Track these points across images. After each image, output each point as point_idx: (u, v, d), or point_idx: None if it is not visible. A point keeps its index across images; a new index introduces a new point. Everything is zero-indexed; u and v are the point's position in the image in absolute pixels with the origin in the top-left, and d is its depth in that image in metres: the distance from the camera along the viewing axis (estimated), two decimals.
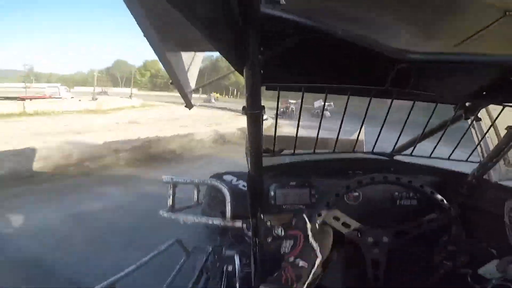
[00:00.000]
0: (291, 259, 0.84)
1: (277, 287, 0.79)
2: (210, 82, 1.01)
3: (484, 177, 1.31)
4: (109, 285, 1.04)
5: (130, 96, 27.86)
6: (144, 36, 0.55)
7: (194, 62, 0.79)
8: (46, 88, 24.91)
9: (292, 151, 1.13)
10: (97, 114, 15.27)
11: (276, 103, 0.92)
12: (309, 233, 0.89)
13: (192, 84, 0.74)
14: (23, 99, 16.03)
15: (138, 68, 63.78)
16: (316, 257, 0.84)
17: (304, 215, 0.96)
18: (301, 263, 0.82)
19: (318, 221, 0.97)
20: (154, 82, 60.48)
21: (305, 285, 0.79)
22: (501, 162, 1.40)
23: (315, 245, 0.86)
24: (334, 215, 1.04)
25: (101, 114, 15.10)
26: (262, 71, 0.65)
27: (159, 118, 14.05)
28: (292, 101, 19.47)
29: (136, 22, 0.52)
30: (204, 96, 33.80)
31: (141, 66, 65.25)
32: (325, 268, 1.02)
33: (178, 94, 0.92)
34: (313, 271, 0.81)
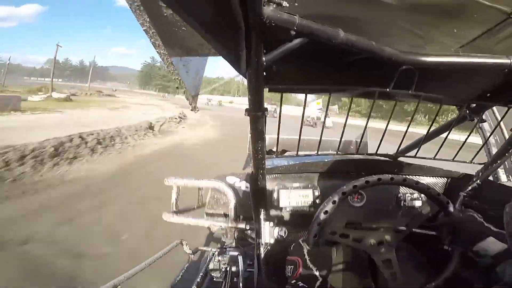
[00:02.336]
0: (293, 282, 0.88)
1: None
2: (218, 85, 1.02)
3: (490, 178, 1.31)
4: (114, 286, 1.04)
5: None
6: (150, 41, 0.56)
7: (199, 66, 0.80)
8: None
9: (295, 152, 1.13)
10: None
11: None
12: (306, 257, 0.93)
13: (198, 88, 0.75)
14: None
15: None
16: (317, 279, 0.87)
17: (300, 241, 0.99)
18: (302, 284, 0.86)
19: (313, 243, 0.97)
20: None
21: None
22: (509, 163, 1.40)
23: (313, 268, 0.90)
24: (330, 231, 1.02)
25: None
26: (265, 74, 0.65)
27: None
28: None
29: (141, 28, 0.52)
30: None
31: None
32: (328, 267, 1.03)
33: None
34: None
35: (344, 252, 1.15)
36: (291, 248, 1.02)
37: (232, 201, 1.24)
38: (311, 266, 0.90)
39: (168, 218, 1.30)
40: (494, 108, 1.40)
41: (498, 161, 1.14)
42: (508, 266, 0.68)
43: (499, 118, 1.19)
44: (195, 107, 0.75)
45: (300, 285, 0.85)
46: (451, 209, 1.05)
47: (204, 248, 1.74)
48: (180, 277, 1.47)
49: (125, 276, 1.08)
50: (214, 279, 1.64)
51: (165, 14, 0.56)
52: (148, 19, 0.51)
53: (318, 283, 0.86)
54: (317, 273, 0.88)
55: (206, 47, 0.73)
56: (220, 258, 1.67)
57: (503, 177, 1.37)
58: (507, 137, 1.10)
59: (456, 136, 1.12)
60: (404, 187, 1.14)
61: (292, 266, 0.93)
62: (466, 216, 0.99)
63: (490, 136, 1.29)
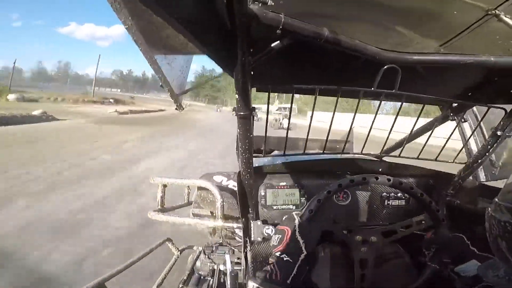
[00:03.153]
0: (278, 253, 0.87)
1: (263, 282, 0.81)
2: (200, 84, 1.01)
3: (470, 177, 1.34)
4: (98, 284, 1.02)
5: None
6: (133, 39, 0.54)
7: (184, 64, 0.79)
8: None
9: (283, 152, 1.13)
10: None
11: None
12: (296, 228, 0.91)
13: (183, 87, 0.73)
14: None
15: None
16: (302, 252, 0.86)
17: (294, 213, 0.98)
18: (286, 257, 0.85)
19: (305, 218, 0.98)
20: None
21: (290, 279, 0.81)
22: (488, 162, 1.44)
23: (300, 240, 0.88)
24: (323, 213, 1.04)
25: None
26: (252, 73, 0.65)
27: None
28: None
29: (123, 26, 0.51)
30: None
31: None
32: (313, 264, 1.04)
33: None
34: (297, 265, 0.84)
35: (330, 250, 1.16)
36: (282, 220, 1.02)
37: (219, 200, 1.24)
38: (298, 238, 0.89)
39: (154, 216, 1.28)
40: (475, 108, 1.44)
41: (479, 161, 1.17)
42: (490, 266, 0.70)
43: (480, 118, 1.22)
44: (180, 106, 0.74)
45: (284, 258, 0.85)
46: (434, 209, 1.07)
47: (192, 247, 1.74)
48: (166, 275, 1.45)
49: (110, 275, 1.06)
50: (201, 277, 1.64)
51: (148, 13, 0.55)
52: (129, 17, 0.50)
53: (302, 256, 0.86)
54: (303, 246, 0.87)
55: (191, 46, 0.72)
56: (207, 256, 1.67)
57: (482, 177, 1.41)
58: (487, 137, 1.13)
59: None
60: (388, 187, 1.16)
61: (280, 236, 0.92)
62: (453, 237, 1.02)
63: (471, 136, 1.33)
